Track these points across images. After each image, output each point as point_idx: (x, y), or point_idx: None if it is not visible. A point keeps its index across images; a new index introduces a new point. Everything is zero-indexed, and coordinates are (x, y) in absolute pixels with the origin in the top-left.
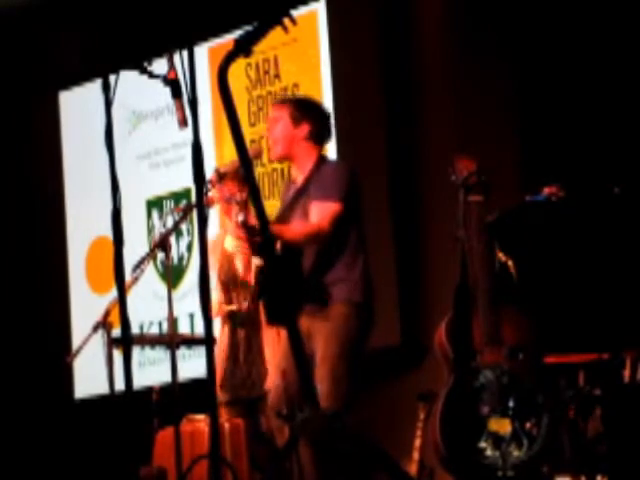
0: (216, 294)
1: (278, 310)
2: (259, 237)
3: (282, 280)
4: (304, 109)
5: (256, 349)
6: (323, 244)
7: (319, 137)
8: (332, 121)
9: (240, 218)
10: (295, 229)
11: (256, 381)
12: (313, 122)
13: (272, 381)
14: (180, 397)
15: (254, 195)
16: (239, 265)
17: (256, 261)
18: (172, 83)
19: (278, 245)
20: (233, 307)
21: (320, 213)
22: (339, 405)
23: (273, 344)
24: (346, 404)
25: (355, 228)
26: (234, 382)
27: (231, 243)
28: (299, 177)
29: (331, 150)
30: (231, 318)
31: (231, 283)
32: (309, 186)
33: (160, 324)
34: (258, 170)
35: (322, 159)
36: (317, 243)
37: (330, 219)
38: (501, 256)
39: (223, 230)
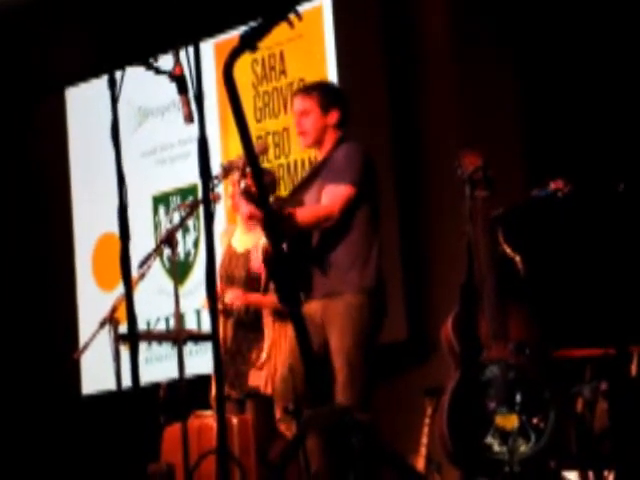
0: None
1: (285, 295)
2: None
3: (288, 266)
4: (332, 96)
5: (246, 349)
6: (338, 227)
7: (345, 122)
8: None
9: (242, 185)
10: (304, 212)
11: (244, 381)
12: (341, 108)
13: (278, 376)
14: (187, 393)
15: (259, 190)
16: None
17: (263, 243)
18: (178, 79)
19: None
20: (224, 302)
21: (332, 196)
22: (356, 396)
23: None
24: (363, 394)
25: (370, 211)
26: (228, 379)
27: (240, 242)
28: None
29: None
30: (224, 312)
31: (228, 281)
32: (323, 167)
33: (167, 320)
34: (263, 166)
35: (340, 140)
36: (326, 226)
37: (341, 203)
38: (508, 251)
39: (233, 226)
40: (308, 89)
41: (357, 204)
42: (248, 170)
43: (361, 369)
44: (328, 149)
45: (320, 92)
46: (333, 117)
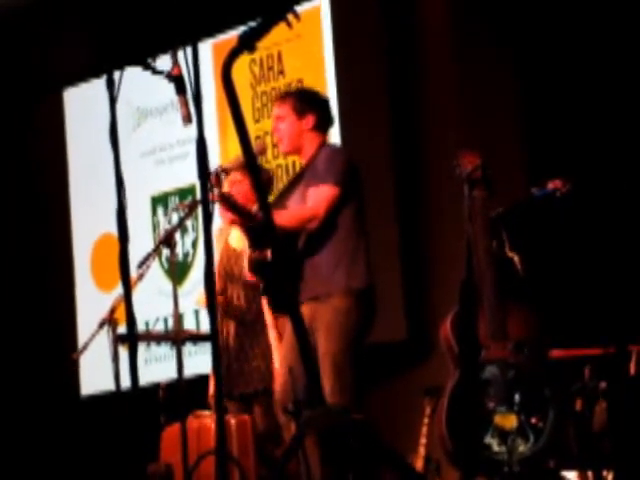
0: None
1: (281, 299)
2: (240, 211)
3: (283, 270)
4: (307, 100)
5: (248, 346)
6: (323, 228)
7: (323, 125)
8: (332, 107)
9: (216, 191)
10: (288, 214)
11: (249, 378)
12: (317, 112)
13: (277, 378)
14: (186, 393)
15: (259, 192)
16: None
17: (248, 250)
18: (176, 79)
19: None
20: (220, 298)
21: (316, 198)
22: (346, 399)
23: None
24: (353, 398)
25: (355, 211)
26: (228, 378)
27: (237, 240)
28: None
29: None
30: (224, 309)
31: (228, 278)
32: (306, 172)
33: (166, 321)
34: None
35: (322, 145)
36: (311, 227)
37: (326, 204)
38: (507, 251)
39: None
40: (283, 95)
41: (341, 205)
42: (223, 177)
43: (349, 372)
44: (310, 154)
45: (294, 97)
46: (309, 121)
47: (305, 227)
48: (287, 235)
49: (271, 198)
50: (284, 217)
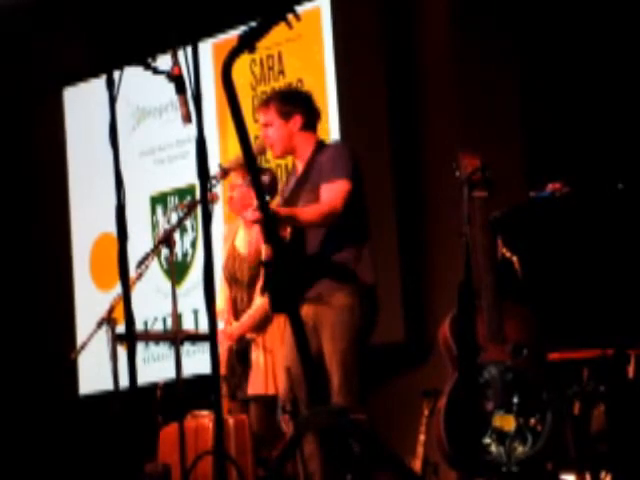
0: (221, 300)
1: (282, 299)
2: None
3: (286, 270)
4: (290, 101)
5: (250, 350)
6: (328, 227)
7: (312, 122)
8: (332, 106)
9: (253, 212)
10: (310, 210)
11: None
12: (302, 110)
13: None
14: (184, 393)
15: (258, 191)
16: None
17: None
18: (176, 79)
19: (288, 231)
20: (249, 336)
21: (331, 193)
22: (352, 399)
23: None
24: (359, 396)
25: (360, 211)
26: (233, 380)
27: (243, 242)
28: (299, 166)
29: None
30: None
31: (233, 281)
32: (310, 172)
33: (164, 320)
34: (263, 166)
35: (320, 144)
36: (331, 222)
37: (342, 198)
38: (506, 252)
39: (235, 225)
40: (266, 101)
41: (350, 204)
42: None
43: (355, 370)
44: (308, 154)
45: (277, 101)
46: (296, 122)
47: (327, 222)
48: (294, 234)
49: (276, 199)
50: (309, 213)
